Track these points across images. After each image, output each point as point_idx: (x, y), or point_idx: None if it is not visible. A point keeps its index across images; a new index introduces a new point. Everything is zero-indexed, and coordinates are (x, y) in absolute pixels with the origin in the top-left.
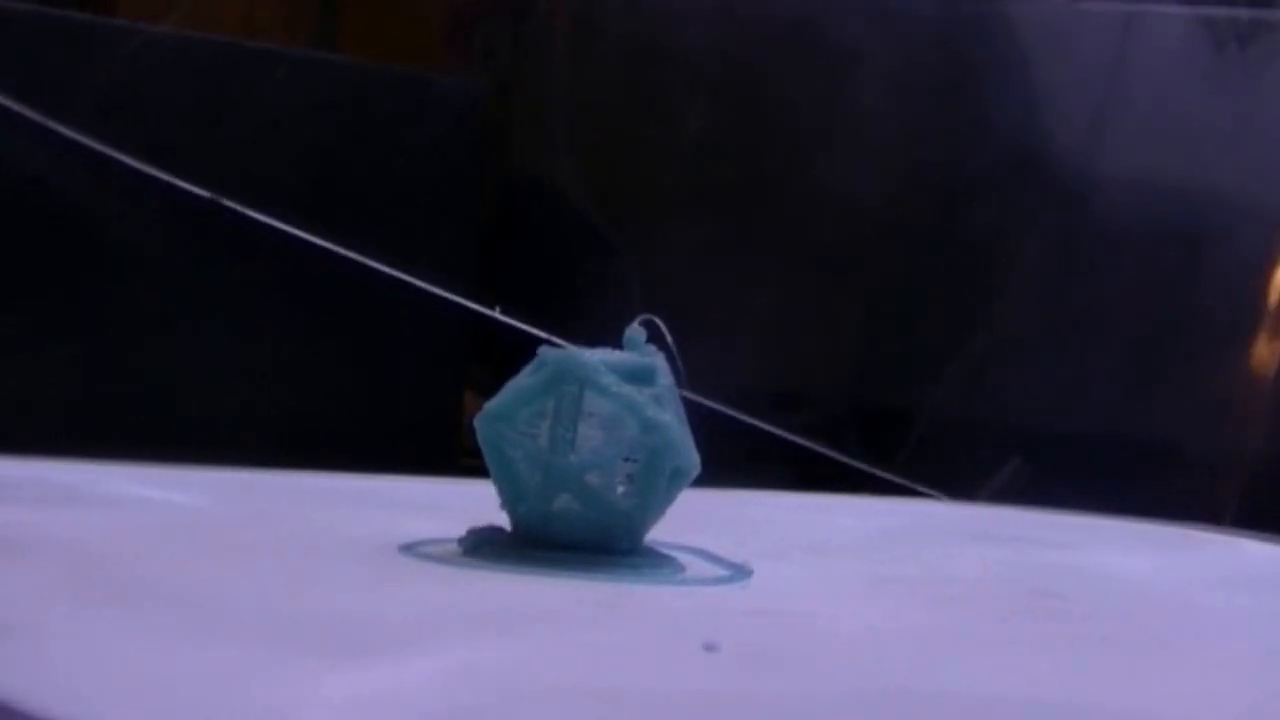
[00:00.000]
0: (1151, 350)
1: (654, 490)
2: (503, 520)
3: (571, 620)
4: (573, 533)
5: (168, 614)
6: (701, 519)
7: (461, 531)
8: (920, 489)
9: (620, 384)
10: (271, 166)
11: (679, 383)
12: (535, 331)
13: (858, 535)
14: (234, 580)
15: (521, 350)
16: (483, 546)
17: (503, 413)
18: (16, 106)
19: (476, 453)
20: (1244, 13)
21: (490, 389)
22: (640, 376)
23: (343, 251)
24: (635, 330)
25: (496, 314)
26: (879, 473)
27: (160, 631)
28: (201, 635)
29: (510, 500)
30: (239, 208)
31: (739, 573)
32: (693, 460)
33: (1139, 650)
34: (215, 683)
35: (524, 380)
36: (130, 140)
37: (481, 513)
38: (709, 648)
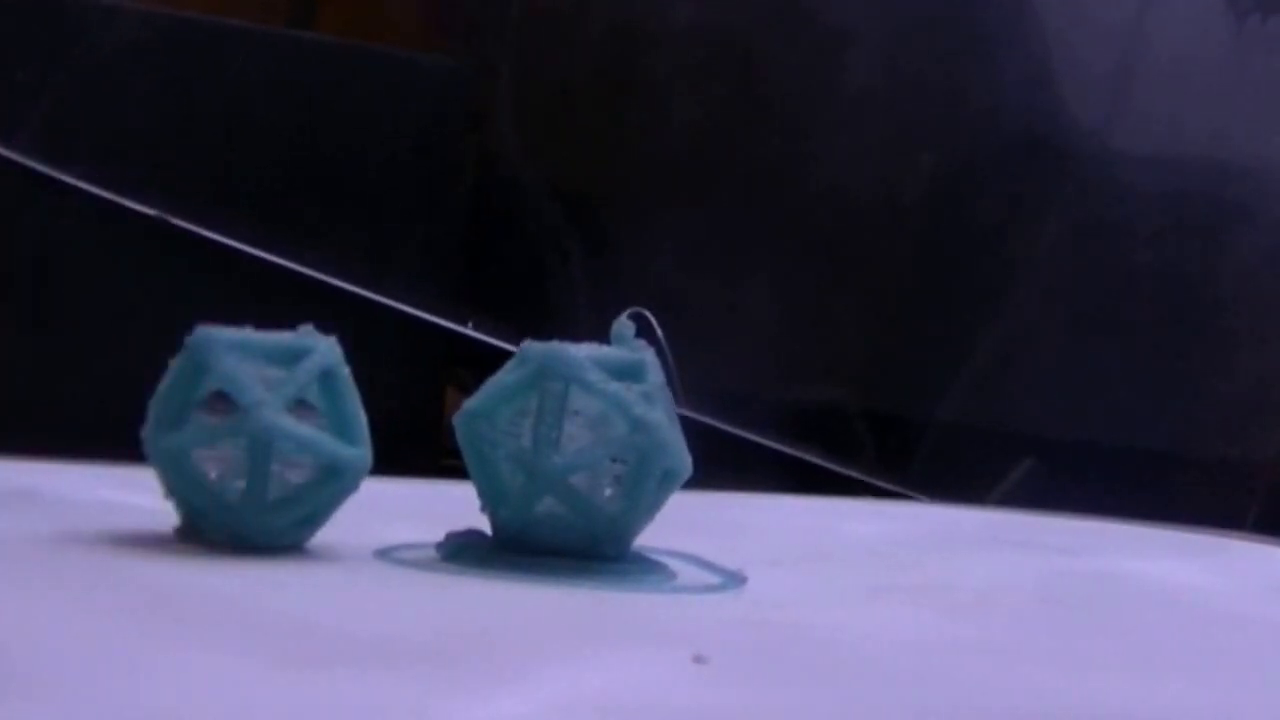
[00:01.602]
0: (1169, 350)
1: (643, 493)
2: (483, 524)
3: (552, 631)
4: (557, 537)
5: (140, 616)
6: (694, 524)
7: (440, 536)
8: (919, 495)
9: (608, 380)
10: (243, 149)
11: (670, 380)
12: (506, 346)
13: (859, 541)
14: (197, 584)
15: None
16: (462, 552)
17: (483, 411)
18: None
19: (457, 453)
20: None
21: (472, 386)
22: (629, 373)
23: (308, 271)
24: (623, 324)
25: (469, 329)
26: (883, 484)
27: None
28: (169, 641)
29: (491, 503)
30: (189, 225)
31: (732, 580)
32: (684, 462)
33: (1148, 660)
34: (175, 689)
35: (506, 377)
36: (99, 121)
37: (461, 516)
38: (698, 660)
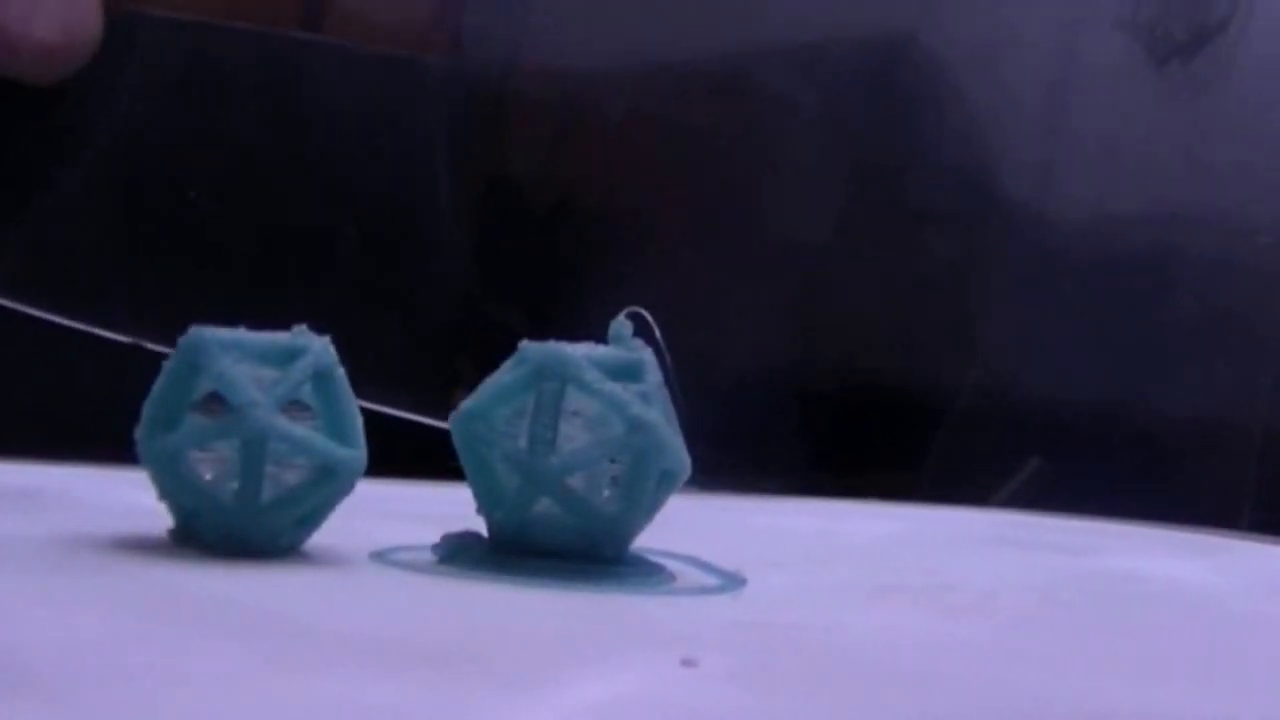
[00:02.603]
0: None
1: (641, 494)
2: (480, 525)
3: (548, 635)
4: (554, 539)
5: (135, 619)
6: (693, 525)
7: (436, 538)
8: (923, 495)
9: (605, 380)
10: (255, 151)
11: (668, 380)
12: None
13: (860, 542)
14: (191, 586)
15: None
16: (458, 554)
17: (479, 411)
18: None
19: (453, 455)
20: (1180, 29)
21: (474, 385)
22: (627, 372)
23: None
24: (621, 323)
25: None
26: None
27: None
28: (163, 644)
29: (487, 504)
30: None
31: (731, 582)
32: (683, 462)
33: (1154, 662)
34: (169, 693)
35: (503, 377)
36: (101, 125)
37: (457, 518)
38: (687, 663)
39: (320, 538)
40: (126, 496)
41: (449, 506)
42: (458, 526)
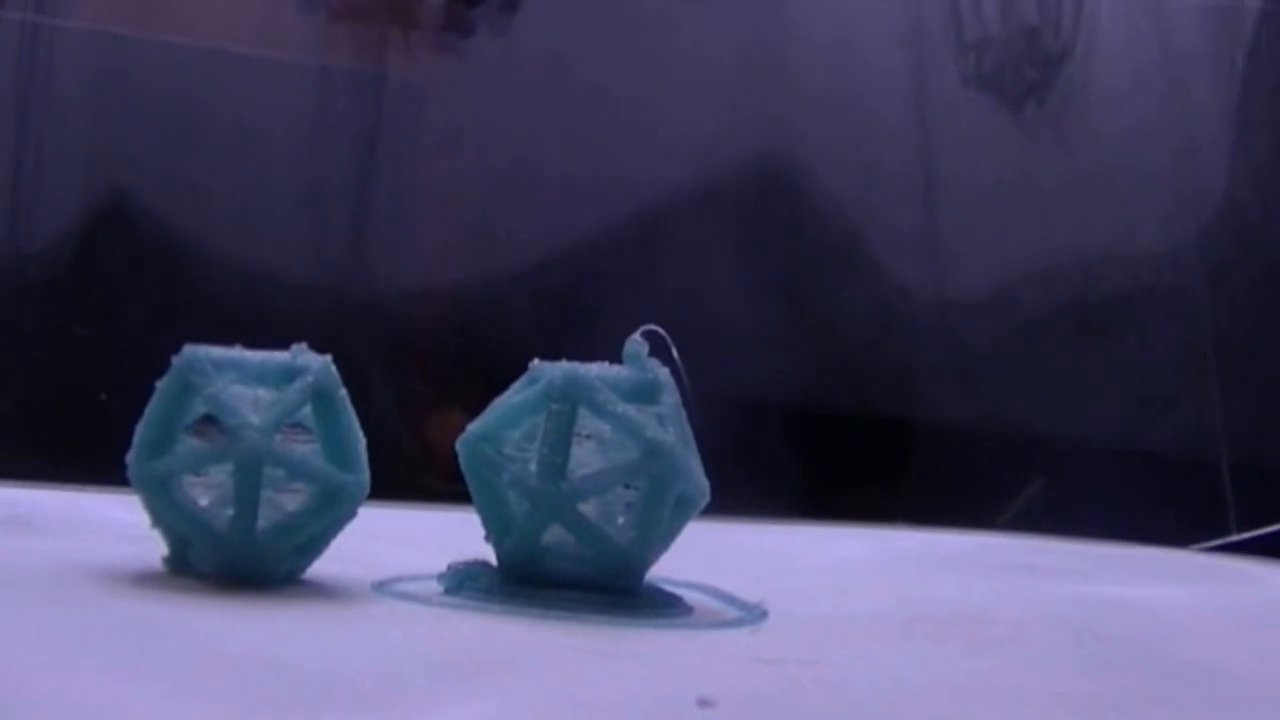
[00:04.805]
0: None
1: (657, 521)
2: (488, 553)
3: (557, 670)
4: (566, 568)
5: (116, 657)
6: (712, 553)
7: (442, 566)
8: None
9: (619, 402)
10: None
11: (685, 400)
12: None
13: (885, 570)
14: (177, 621)
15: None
16: (465, 584)
17: (487, 433)
18: None
19: (455, 477)
20: (1028, 68)
21: (478, 406)
22: (643, 394)
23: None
24: (636, 342)
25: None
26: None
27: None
28: (142, 686)
29: (496, 531)
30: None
31: (751, 615)
32: (701, 487)
33: (1185, 706)
34: None
35: (513, 397)
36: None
37: (464, 545)
38: (703, 704)
39: (321, 566)
40: (122, 518)
41: (455, 532)
42: (466, 553)
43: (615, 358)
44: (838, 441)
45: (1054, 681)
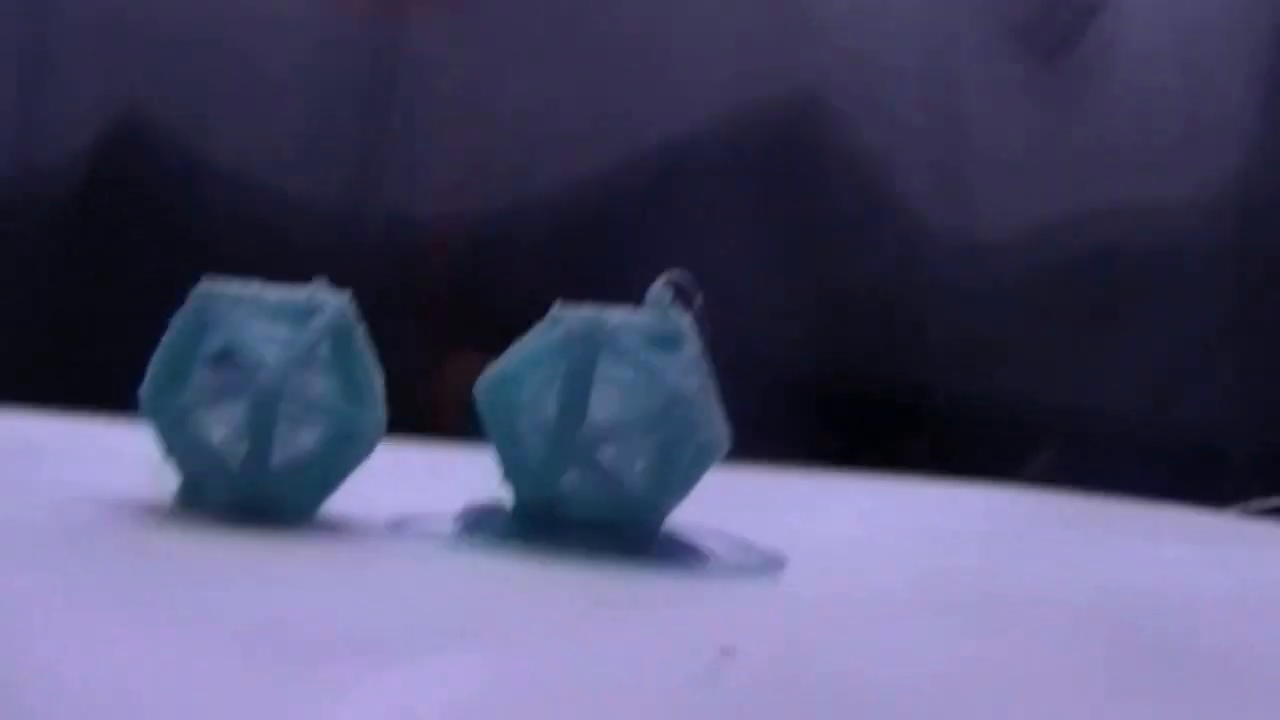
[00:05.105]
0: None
1: (676, 468)
2: (504, 496)
3: (572, 618)
4: (582, 513)
5: (126, 600)
6: (731, 501)
7: (457, 506)
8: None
9: (642, 348)
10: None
11: (707, 349)
12: None
13: (910, 527)
14: (201, 568)
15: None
16: (480, 526)
17: (508, 376)
18: None
19: (472, 418)
20: (1064, 11)
21: (498, 348)
22: (665, 341)
23: None
24: (660, 288)
25: None
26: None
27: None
28: (151, 630)
29: (512, 473)
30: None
31: (768, 565)
32: (721, 435)
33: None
34: (152, 682)
35: (534, 341)
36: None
37: (480, 486)
38: (725, 653)
39: (336, 503)
40: (133, 449)
41: (470, 471)
42: (482, 494)
43: (639, 302)
44: (857, 398)
45: (1064, 664)
